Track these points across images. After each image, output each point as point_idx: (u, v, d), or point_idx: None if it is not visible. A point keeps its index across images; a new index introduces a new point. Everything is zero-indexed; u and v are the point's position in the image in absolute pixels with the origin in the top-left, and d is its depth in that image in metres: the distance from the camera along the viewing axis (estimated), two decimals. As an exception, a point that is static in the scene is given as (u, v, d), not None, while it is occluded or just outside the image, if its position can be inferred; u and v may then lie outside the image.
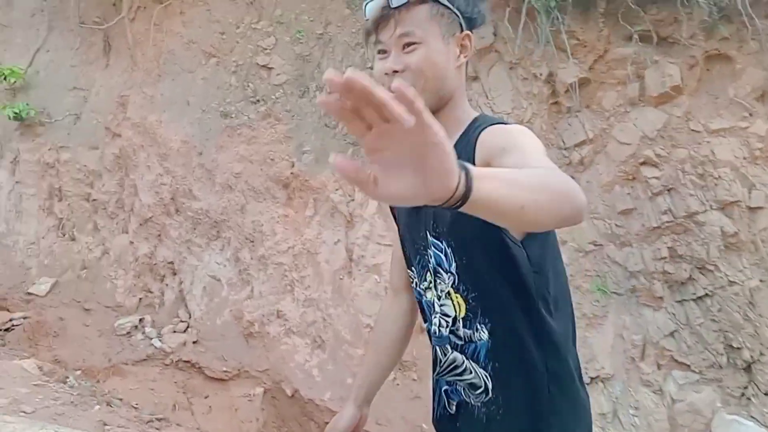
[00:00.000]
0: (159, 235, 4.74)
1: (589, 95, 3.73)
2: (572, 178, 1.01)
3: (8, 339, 4.45)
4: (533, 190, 0.85)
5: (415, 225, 1.32)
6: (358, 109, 0.68)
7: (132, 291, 4.71)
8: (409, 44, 1.18)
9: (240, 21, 4.83)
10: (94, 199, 5.07)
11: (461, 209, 0.76)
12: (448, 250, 1.24)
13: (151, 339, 4.36)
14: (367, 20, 1.23)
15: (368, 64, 4.56)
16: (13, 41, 5.77)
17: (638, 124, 3.54)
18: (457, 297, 1.26)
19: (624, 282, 3.40)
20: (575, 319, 1.32)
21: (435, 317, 1.32)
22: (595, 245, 3.47)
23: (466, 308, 1.25)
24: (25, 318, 4.65)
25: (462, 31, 1.23)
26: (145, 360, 4.26)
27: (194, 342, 4.33)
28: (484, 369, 1.25)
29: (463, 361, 1.28)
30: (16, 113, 5.19)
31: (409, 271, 1.40)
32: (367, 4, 1.23)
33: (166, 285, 4.67)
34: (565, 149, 3.71)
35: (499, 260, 1.18)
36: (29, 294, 4.86)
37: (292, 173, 4.42)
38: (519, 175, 0.87)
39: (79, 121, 5.24)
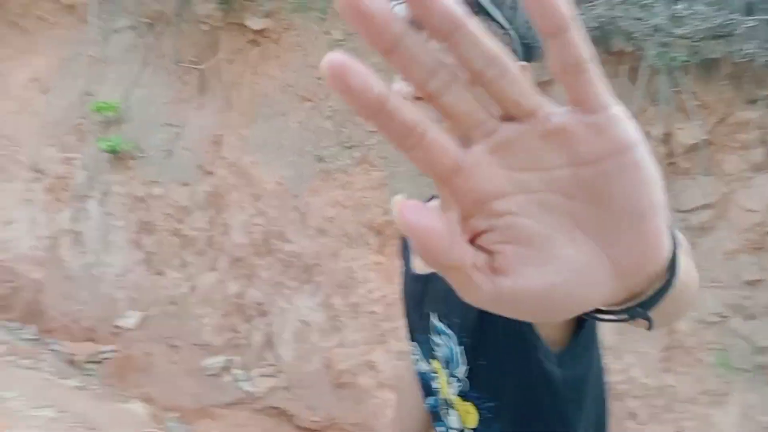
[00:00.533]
0: (249, 276, 4.71)
1: (708, 158, 3.58)
2: (692, 243, 0.77)
3: (98, 372, 4.46)
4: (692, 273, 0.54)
5: (423, 312, 1.01)
6: (444, 83, 0.32)
7: (220, 330, 4.68)
8: None
9: (337, 66, 4.82)
10: (184, 235, 5.08)
11: (651, 309, 0.42)
12: (462, 349, 0.94)
13: (240, 382, 4.31)
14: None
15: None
16: (108, 76, 5.90)
17: (764, 191, 3.38)
18: (466, 406, 0.97)
19: (750, 357, 3.21)
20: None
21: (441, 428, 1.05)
22: (719, 317, 3.29)
23: (478, 420, 0.96)
24: (114, 351, 4.66)
25: (519, 59, 0.87)
26: (234, 404, 4.20)
27: (284, 388, 4.26)
28: None
29: None
30: (110, 146, 5.27)
31: (411, 342, 1.11)
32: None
33: (254, 326, 4.62)
34: (683, 212, 3.56)
35: (528, 372, 0.86)
36: (117, 327, 4.87)
37: (386, 220, 4.35)
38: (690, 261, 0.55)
39: (171, 157, 5.30)
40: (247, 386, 4.26)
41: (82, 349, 4.67)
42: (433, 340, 0.98)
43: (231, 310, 4.71)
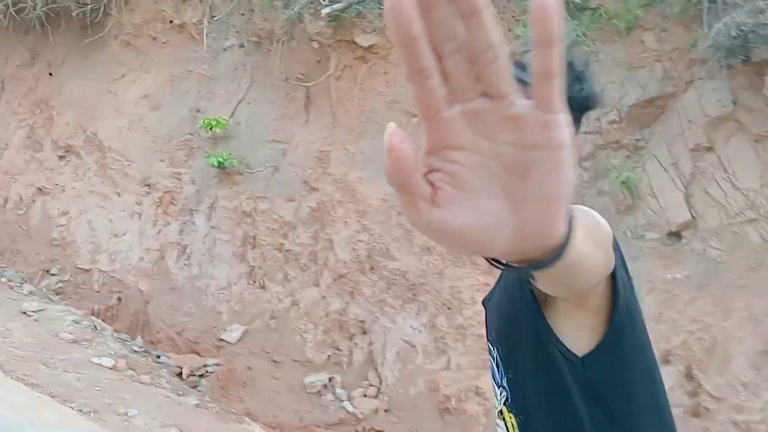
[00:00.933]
0: (351, 292, 4.61)
1: None
2: None
3: (203, 385, 4.44)
4: (601, 242, 0.71)
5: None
6: (445, 49, 0.39)
7: (321, 347, 4.58)
8: None
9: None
10: (287, 250, 5.05)
11: (540, 271, 0.51)
12: (500, 360, 1.00)
13: (342, 401, 4.18)
14: None
15: (581, 128, 4.25)
16: (216, 93, 6.02)
17: None
18: (510, 417, 1.00)
19: None
20: None
21: None
22: None
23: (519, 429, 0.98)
24: (217, 365, 4.65)
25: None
26: (337, 424, 4.07)
27: (386, 410, 4.10)
28: None
29: None
30: (220, 162, 5.34)
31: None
32: None
33: (356, 344, 4.50)
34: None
35: (547, 380, 0.88)
36: (221, 340, 4.88)
37: (498, 240, 4.15)
38: (590, 223, 0.71)
39: (277, 173, 5.31)
40: (349, 407, 4.12)
41: (187, 362, 4.69)
42: (490, 359, 1.05)
43: (332, 327, 4.61)
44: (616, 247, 0.83)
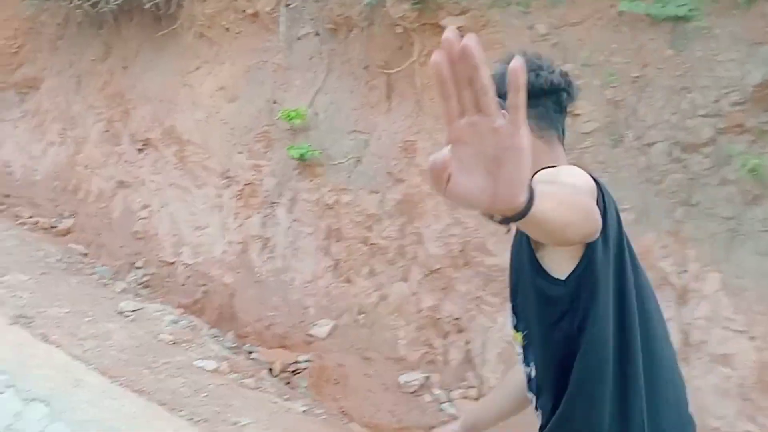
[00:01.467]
0: (445, 289, 4.39)
1: None
2: None
3: (295, 382, 4.33)
4: (573, 209, 0.99)
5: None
6: (460, 87, 0.69)
7: (414, 344, 4.39)
8: None
9: (542, 64, 4.38)
10: (372, 243, 4.87)
11: (512, 223, 0.82)
12: (512, 287, 1.39)
13: (441, 403, 3.99)
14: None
15: (698, 111, 3.89)
16: (293, 83, 5.85)
17: None
18: (517, 335, 1.36)
19: None
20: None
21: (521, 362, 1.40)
22: None
23: (523, 346, 1.34)
24: (308, 361, 4.52)
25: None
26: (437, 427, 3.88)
27: (489, 412, 3.88)
28: (536, 406, 1.33)
29: (531, 396, 1.35)
30: (299, 153, 5.18)
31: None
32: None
33: (451, 343, 4.29)
34: None
35: (536, 299, 1.23)
36: (309, 335, 4.75)
37: (606, 234, 3.84)
38: (565, 196, 1.00)
39: (360, 165, 5.11)
40: (450, 408, 3.92)
41: (277, 357, 4.58)
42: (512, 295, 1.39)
43: (425, 324, 4.41)
44: (601, 197, 1.15)
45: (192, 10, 6.51)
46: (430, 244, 4.47)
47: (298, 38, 5.95)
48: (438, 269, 4.38)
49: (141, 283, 5.42)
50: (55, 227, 6.58)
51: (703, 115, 3.88)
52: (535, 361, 1.29)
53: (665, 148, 3.90)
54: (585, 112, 4.16)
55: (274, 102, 5.87)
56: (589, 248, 1.11)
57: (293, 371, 4.38)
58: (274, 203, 5.51)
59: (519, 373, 1.46)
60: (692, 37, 4.04)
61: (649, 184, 3.87)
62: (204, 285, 5.47)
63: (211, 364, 3.41)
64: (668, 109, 3.98)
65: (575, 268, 1.13)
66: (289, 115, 5.36)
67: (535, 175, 1.07)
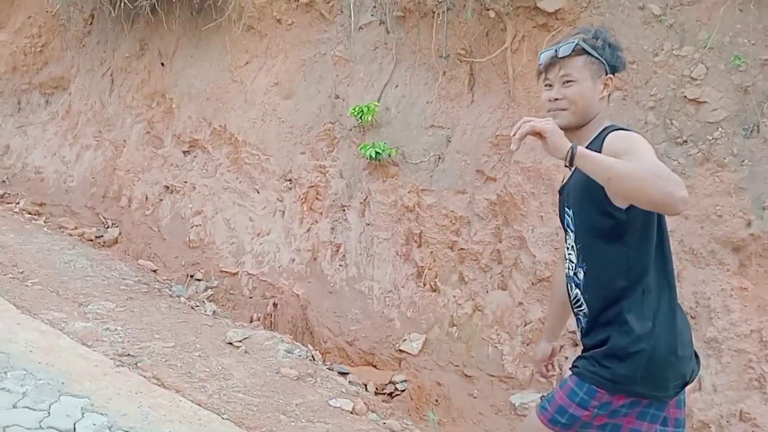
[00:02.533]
0: (555, 298, 3.94)
1: None
2: None
3: (395, 405, 3.89)
4: (621, 172, 1.45)
5: (562, 199, 1.87)
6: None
7: (522, 360, 3.96)
8: (567, 81, 1.73)
9: (659, 48, 3.91)
10: (461, 248, 4.42)
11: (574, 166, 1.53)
12: (573, 215, 1.77)
13: (566, 426, 3.55)
14: (540, 65, 1.80)
15: None
16: (356, 77, 5.38)
17: None
18: (576, 248, 1.77)
19: None
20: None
21: (567, 263, 1.84)
22: None
23: (576, 256, 1.76)
24: (405, 381, 4.09)
25: (606, 74, 1.77)
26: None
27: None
28: (587, 302, 1.76)
29: (578, 294, 1.78)
30: (377, 153, 4.72)
31: (562, 230, 1.89)
32: (540, 53, 1.83)
33: (566, 358, 3.85)
34: None
35: (594, 222, 1.71)
36: (401, 351, 4.31)
37: (751, 234, 3.40)
38: (614, 162, 1.48)
39: (442, 162, 4.66)
40: None
41: (369, 376, 4.15)
42: (566, 219, 1.82)
43: (534, 338, 3.97)
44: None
45: (239, 1, 6.03)
46: (535, 249, 4.02)
47: (360, 28, 5.48)
48: (547, 277, 3.94)
49: (205, 298, 4.98)
50: (101, 236, 6.12)
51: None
52: (586, 267, 1.73)
53: (810, 137, 3.45)
54: (712, 100, 3.71)
55: (337, 97, 5.41)
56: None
57: (391, 393, 3.95)
58: (344, 207, 5.06)
59: (561, 279, 1.94)
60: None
61: (789, 178, 3.42)
62: (273, 297, 5.03)
63: (347, 404, 2.95)
64: (808, 94, 3.53)
65: (629, 206, 1.63)
66: (360, 111, 4.89)
67: (611, 138, 1.65)
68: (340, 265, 4.95)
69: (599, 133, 1.70)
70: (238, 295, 5.15)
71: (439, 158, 4.68)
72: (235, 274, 5.29)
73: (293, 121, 5.56)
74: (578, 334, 1.87)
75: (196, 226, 5.79)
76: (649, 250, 1.67)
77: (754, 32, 3.72)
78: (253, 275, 5.21)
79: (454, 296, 4.39)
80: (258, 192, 5.58)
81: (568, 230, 1.79)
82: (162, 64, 6.88)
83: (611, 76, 1.76)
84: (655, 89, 3.87)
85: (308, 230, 5.18)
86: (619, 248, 1.66)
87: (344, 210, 5.06)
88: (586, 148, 1.59)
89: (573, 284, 1.78)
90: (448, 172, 4.60)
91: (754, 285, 3.36)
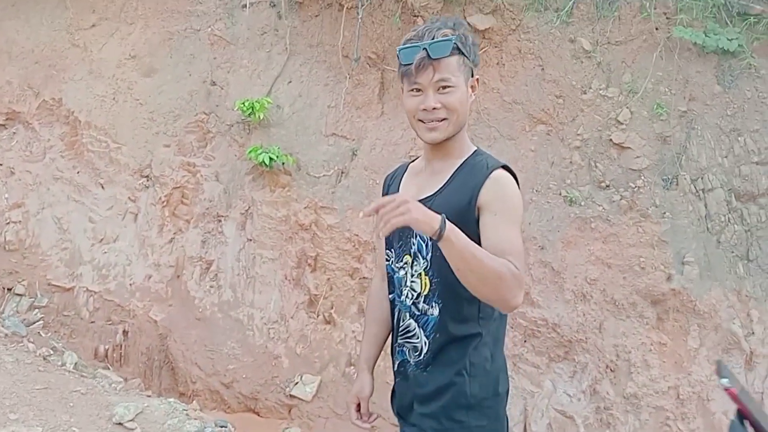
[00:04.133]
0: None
1: None
2: None
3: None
4: (487, 272, 1.26)
5: None
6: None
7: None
8: (445, 87, 1.41)
9: (587, 85, 3.72)
10: (363, 277, 3.89)
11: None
12: (430, 243, 1.48)
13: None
14: (407, 65, 1.42)
15: (752, 157, 3.53)
16: (239, 63, 4.53)
17: None
18: (425, 278, 1.51)
19: None
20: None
21: (405, 290, 1.57)
22: None
23: (429, 288, 1.51)
24: (298, 435, 3.45)
25: (473, 75, 1.48)
26: None
27: (544, 497, 3.22)
28: (427, 337, 1.52)
29: (415, 328, 1.55)
30: (271, 159, 3.96)
31: (387, 251, 1.63)
32: (401, 50, 1.44)
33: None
34: None
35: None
36: (291, 396, 3.65)
37: (672, 289, 3.35)
38: (484, 257, 1.26)
39: (345, 178, 4.05)
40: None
41: (253, 427, 3.44)
42: (411, 242, 1.53)
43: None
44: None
45: (88, -53, 4.77)
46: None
47: (244, 6, 4.62)
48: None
49: (31, 321, 3.81)
50: None
51: (756, 162, 3.54)
52: (441, 305, 1.50)
53: (723, 195, 3.50)
54: (635, 146, 3.61)
55: (213, 83, 4.50)
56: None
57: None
58: (220, 216, 4.21)
59: (381, 301, 1.73)
60: (739, 75, 3.68)
61: (709, 235, 3.44)
62: (122, 322, 4.02)
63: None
64: (720, 151, 3.59)
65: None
66: (250, 107, 4.08)
67: (492, 184, 1.40)
68: (212, 287, 4.11)
69: (468, 159, 1.49)
70: (76, 318, 4.04)
71: (342, 173, 4.08)
72: (69, 289, 4.15)
73: (155, 105, 4.53)
74: (394, 366, 1.66)
75: (14, 222, 4.46)
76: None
77: (675, 82, 3.70)
78: (95, 292, 4.13)
79: (353, 331, 3.85)
80: (102, 187, 4.46)
81: (418, 255, 1.51)
82: (-34, 7, 5.26)
83: (478, 77, 1.51)
84: (581, 128, 3.68)
85: (171, 240, 4.24)
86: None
87: (220, 220, 4.21)
88: (456, 171, 1.46)
89: (408, 314, 1.55)
90: (353, 189, 4.01)
91: (671, 340, 3.32)
